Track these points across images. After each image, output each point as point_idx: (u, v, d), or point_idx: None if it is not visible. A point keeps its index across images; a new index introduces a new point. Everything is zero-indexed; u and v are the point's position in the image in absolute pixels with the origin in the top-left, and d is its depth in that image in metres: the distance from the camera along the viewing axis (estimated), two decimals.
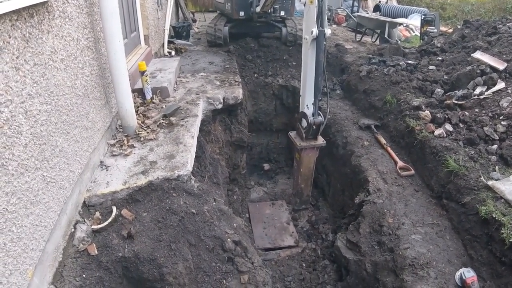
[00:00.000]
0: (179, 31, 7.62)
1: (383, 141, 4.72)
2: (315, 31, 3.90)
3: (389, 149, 4.58)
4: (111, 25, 3.18)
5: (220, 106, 4.81)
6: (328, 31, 4.00)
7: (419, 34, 9.91)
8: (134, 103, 4.30)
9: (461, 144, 3.97)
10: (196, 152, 3.80)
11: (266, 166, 6.78)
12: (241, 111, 5.44)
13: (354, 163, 4.49)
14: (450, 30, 12.91)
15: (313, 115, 4.50)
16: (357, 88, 5.78)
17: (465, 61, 5.16)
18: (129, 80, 4.23)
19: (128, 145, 3.52)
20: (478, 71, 4.56)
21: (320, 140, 4.76)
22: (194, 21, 9.86)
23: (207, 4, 11.81)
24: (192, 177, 3.33)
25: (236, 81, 5.33)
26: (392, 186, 4.10)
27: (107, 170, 3.16)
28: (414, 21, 9.64)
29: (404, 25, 9.05)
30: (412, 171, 4.26)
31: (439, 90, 4.82)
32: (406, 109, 4.67)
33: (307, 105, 4.54)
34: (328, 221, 5.32)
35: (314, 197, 5.69)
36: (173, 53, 6.65)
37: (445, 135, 4.12)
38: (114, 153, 3.40)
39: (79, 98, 2.84)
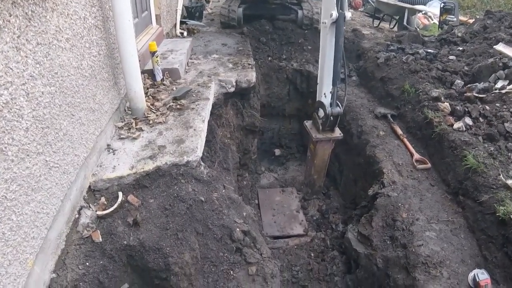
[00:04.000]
0: (192, 12, 7.35)
1: (399, 131, 4.49)
2: (335, 13, 3.65)
3: (405, 140, 4.36)
4: (120, 3, 3.01)
5: (232, 89, 4.63)
6: (348, 14, 3.75)
7: (437, 23, 9.49)
8: (144, 84, 4.16)
9: (481, 140, 3.76)
10: (206, 137, 3.66)
11: (277, 151, 6.61)
12: (253, 95, 5.25)
13: (368, 153, 4.30)
14: (470, 20, 12.34)
15: (330, 105, 4.29)
16: (374, 75, 5.51)
17: (487, 53, 4.86)
18: (139, 61, 4.07)
19: (136, 128, 3.39)
20: (501, 64, 4.28)
21: (337, 133, 4.57)
22: (208, 1, 9.53)
23: None
24: (202, 163, 3.20)
25: (249, 64, 5.11)
26: (408, 179, 3.91)
27: (114, 154, 3.05)
28: (434, 8, 9.17)
29: (423, 12, 8.60)
30: (429, 165, 4.05)
31: (459, 82, 4.55)
32: (425, 99, 4.42)
33: (324, 94, 4.34)
34: (338, 211, 5.17)
35: (325, 185, 5.53)
36: (185, 33, 6.42)
37: (464, 129, 3.89)
38: (121, 136, 3.27)
39: (86, 79, 2.70)
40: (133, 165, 2.89)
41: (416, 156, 4.14)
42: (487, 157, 3.51)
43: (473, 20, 13.05)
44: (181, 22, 6.69)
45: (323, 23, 3.96)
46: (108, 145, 3.15)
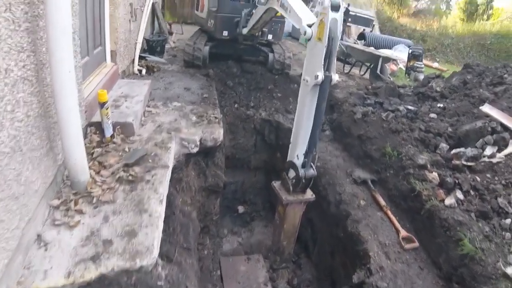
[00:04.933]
0: (153, 46, 6.83)
1: (382, 202, 4.20)
2: (321, 76, 3.32)
3: (389, 213, 4.07)
4: (59, 49, 2.38)
5: (196, 150, 4.10)
6: (335, 77, 3.44)
7: (404, 68, 9.75)
8: (90, 142, 3.53)
9: (473, 217, 3.56)
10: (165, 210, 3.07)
11: (241, 208, 6.08)
12: (219, 151, 4.73)
13: (351, 230, 3.92)
14: (434, 65, 13.15)
15: (303, 166, 3.93)
16: (350, 131, 5.28)
17: (470, 113, 4.83)
18: (86, 111, 3.49)
19: (75, 210, 2.70)
20: (489, 128, 4.20)
21: (309, 194, 4.20)
22: (171, 33, 9.03)
23: (186, 15, 10.92)
24: (159, 260, 2.58)
25: (216, 117, 4.62)
26: (396, 263, 3.57)
27: (46, 250, 2.34)
28: (401, 53, 9.46)
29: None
30: (416, 243, 3.77)
31: (444, 145, 4.42)
32: (409, 166, 4.20)
33: (297, 155, 3.96)
34: (311, 284, 4.70)
35: (295, 252, 5.06)
36: (143, 71, 5.84)
37: (455, 205, 3.67)
38: (56, 222, 2.57)
39: (5, 157, 2.02)
40: (70, 270, 2.20)
41: (403, 233, 3.84)
42: (483, 240, 3.29)
43: (436, 64, 13.76)
44: (140, 57, 6.12)
45: (304, 80, 3.62)
46: (38, 235, 2.44)
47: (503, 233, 3.38)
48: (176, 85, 5.58)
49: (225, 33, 6.33)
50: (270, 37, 6.69)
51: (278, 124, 5.84)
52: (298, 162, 3.96)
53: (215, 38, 6.61)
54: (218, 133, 4.32)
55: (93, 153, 3.37)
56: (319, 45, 3.32)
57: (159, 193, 3.00)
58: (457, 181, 3.86)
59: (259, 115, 5.89)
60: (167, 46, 7.62)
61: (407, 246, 3.72)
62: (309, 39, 3.48)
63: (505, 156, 4.01)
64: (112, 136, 3.66)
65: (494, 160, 3.92)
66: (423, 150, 4.46)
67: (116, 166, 3.21)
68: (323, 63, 3.31)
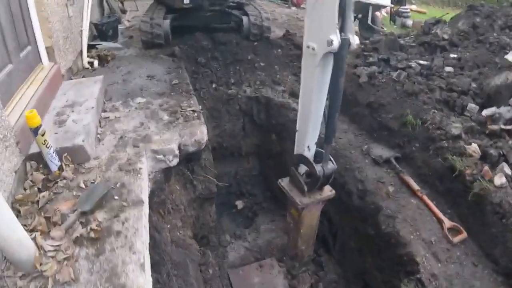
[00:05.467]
0: (104, 30, 5.63)
1: (415, 186, 3.48)
2: (336, 40, 2.37)
3: (426, 199, 3.36)
4: None
5: (175, 161, 3.21)
6: (355, 40, 2.51)
7: (387, 15, 8.98)
8: (32, 184, 2.66)
9: None
10: (151, 257, 2.27)
11: (239, 203, 5.31)
12: (205, 151, 3.84)
13: (386, 230, 3.22)
14: (412, 7, 12.20)
15: (316, 158, 3.13)
16: (357, 99, 4.43)
17: (492, 63, 4.10)
18: (18, 142, 2.59)
19: None
20: None
21: (327, 190, 3.44)
22: (124, 11, 7.61)
23: None
24: None
25: (194, 111, 3.67)
26: (448, 264, 2.93)
27: None
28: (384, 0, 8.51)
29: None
30: (465, 234, 3.12)
31: (473, 106, 3.69)
32: (441, 137, 3.46)
33: (308, 147, 3.13)
34: (338, 285, 4.07)
35: (314, 250, 4.38)
36: (95, 63, 4.73)
37: (507, 184, 2.98)
38: None
39: None
40: None
41: (448, 223, 3.16)
42: None
43: (413, 6, 12.88)
44: (90, 46, 4.98)
45: (308, 48, 2.66)
46: None
47: None
48: (136, 74, 4.51)
49: (186, 0, 5.16)
50: None
51: (267, 100, 4.94)
52: (310, 154, 3.19)
53: (175, 9, 5.42)
54: (201, 132, 3.41)
55: (38, 201, 2.45)
56: (326, 0, 2.35)
57: (137, 251, 2.14)
58: (502, 152, 3.16)
59: (243, 93, 4.96)
60: (120, 27, 6.35)
61: (456, 239, 3.07)
62: None
63: None
64: (61, 169, 2.71)
65: None
66: (449, 114, 3.70)
67: (72, 219, 2.31)
68: (337, 21, 2.36)
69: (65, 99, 3.49)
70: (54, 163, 2.66)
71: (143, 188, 2.67)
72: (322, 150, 3.07)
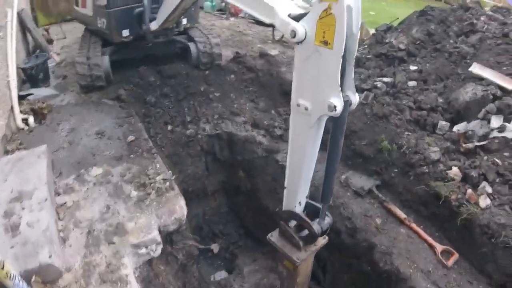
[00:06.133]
0: (33, 74, 4.81)
1: (401, 215, 3.55)
2: (339, 104, 2.12)
3: (415, 227, 3.45)
4: None
5: (159, 249, 2.89)
6: (356, 98, 2.30)
7: None
8: None
9: (507, 209, 3.08)
10: None
11: (215, 247, 5.00)
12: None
13: (385, 267, 3.24)
14: None
15: (305, 209, 2.98)
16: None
17: (455, 74, 4.27)
18: None
19: None
20: (491, 96, 3.62)
21: (321, 239, 3.27)
22: (50, 41, 6.48)
23: (63, 11, 7.69)
24: None
25: (164, 179, 3.29)
26: None
27: None
28: None
29: None
30: (456, 254, 3.28)
31: (443, 124, 3.84)
32: (420, 163, 3.53)
33: (299, 202, 2.97)
34: None
35: None
36: (30, 120, 4.05)
37: (490, 204, 3.15)
38: None
39: None
40: None
41: (439, 247, 3.30)
42: None
43: None
44: (21, 98, 4.24)
45: (299, 106, 2.42)
46: None
47: None
48: (82, 131, 3.94)
49: (125, 33, 4.60)
50: (185, 21, 5.06)
51: (229, 136, 4.70)
52: (301, 208, 3.00)
53: (112, 41, 4.79)
54: (180, 207, 3.11)
55: None
56: (326, 54, 2.07)
57: None
58: (480, 172, 3.33)
59: (202, 131, 4.64)
60: (50, 63, 5.48)
61: (449, 262, 3.22)
62: (299, 42, 2.21)
63: None
64: None
65: (510, 136, 3.41)
66: (422, 134, 3.80)
67: None
68: (339, 82, 2.10)
69: (8, 188, 2.90)
70: None
71: None
72: (312, 202, 2.96)
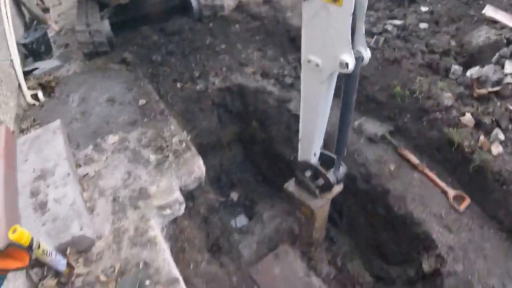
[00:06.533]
0: (34, 48, 4.73)
1: (415, 160, 3.59)
2: (351, 61, 2.08)
3: (428, 173, 3.50)
4: None
5: (183, 208, 3.04)
6: (367, 53, 2.24)
7: None
8: None
9: None
10: None
11: (234, 195, 5.25)
12: None
13: (399, 212, 3.37)
14: None
15: (320, 160, 3.09)
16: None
17: (468, 16, 4.05)
18: None
19: None
20: (505, 40, 3.44)
21: (337, 187, 3.33)
22: (47, 10, 6.23)
23: None
24: None
25: (181, 141, 3.37)
26: (460, 233, 3.20)
27: None
28: None
29: None
30: (468, 199, 3.36)
31: (457, 68, 3.70)
32: (433, 109, 3.47)
33: (314, 153, 3.05)
34: (355, 257, 4.31)
35: None
36: (40, 95, 4.07)
37: (502, 151, 3.17)
38: None
39: None
40: None
41: (452, 192, 3.36)
42: None
43: None
44: (26, 74, 4.25)
45: (309, 62, 2.39)
46: None
47: None
48: (93, 100, 3.98)
49: None
50: None
51: (240, 88, 4.66)
52: (316, 159, 3.09)
53: (110, 3, 4.60)
54: (198, 167, 3.20)
55: None
56: (334, 11, 1.96)
57: None
58: (493, 119, 3.28)
59: (212, 86, 4.59)
60: (50, 34, 5.33)
61: (462, 207, 3.31)
62: None
63: None
64: (69, 265, 2.47)
65: None
66: (435, 79, 3.68)
67: None
68: (350, 38, 2.03)
69: (30, 168, 3.03)
70: (61, 264, 2.42)
71: (168, 261, 2.53)
72: (327, 152, 3.05)
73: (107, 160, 3.28)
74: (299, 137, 3.03)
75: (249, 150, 5.52)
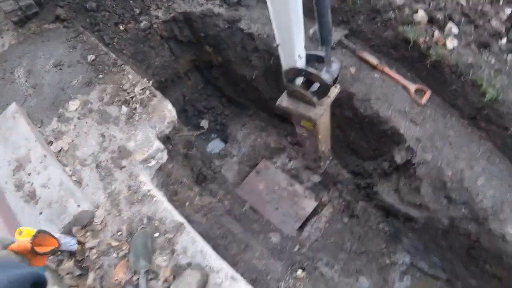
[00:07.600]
0: None
1: (374, 61, 3.69)
2: None
3: (388, 71, 3.67)
4: None
5: (165, 154, 3.18)
6: None
7: None
8: (68, 274, 2.62)
9: (475, 49, 3.27)
10: None
11: (204, 123, 5.32)
12: None
13: (366, 113, 3.64)
14: None
15: (308, 62, 2.92)
16: None
17: None
18: None
19: None
20: None
21: (334, 89, 3.22)
22: None
23: None
24: None
25: (143, 89, 3.31)
26: (425, 124, 3.49)
27: None
28: None
29: None
30: (428, 91, 3.58)
31: None
32: (386, 9, 3.50)
33: (299, 55, 2.83)
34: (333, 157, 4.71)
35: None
36: None
37: (456, 44, 3.31)
38: None
39: None
40: None
41: (412, 87, 3.60)
42: (495, 76, 3.12)
43: None
44: None
45: None
46: None
47: (505, 56, 3.21)
48: (40, 70, 3.60)
49: None
50: None
51: (184, 15, 4.37)
52: (302, 62, 2.90)
53: None
54: (169, 111, 3.21)
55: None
56: None
57: (217, 269, 2.42)
58: (446, 14, 3.34)
59: (156, 20, 4.30)
60: None
61: (423, 100, 3.55)
62: None
63: None
64: (80, 243, 2.66)
65: None
66: None
67: (143, 281, 2.42)
68: None
69: (4, 162, 2.93)
70: (72, 245, 2.58)
71: (169, 209, 2.73)
72: (312, 52, 2.89)
73: (76, 129, 3.20)
74: (276, 42, 2.78)
75: (209, 75, 5.45)
